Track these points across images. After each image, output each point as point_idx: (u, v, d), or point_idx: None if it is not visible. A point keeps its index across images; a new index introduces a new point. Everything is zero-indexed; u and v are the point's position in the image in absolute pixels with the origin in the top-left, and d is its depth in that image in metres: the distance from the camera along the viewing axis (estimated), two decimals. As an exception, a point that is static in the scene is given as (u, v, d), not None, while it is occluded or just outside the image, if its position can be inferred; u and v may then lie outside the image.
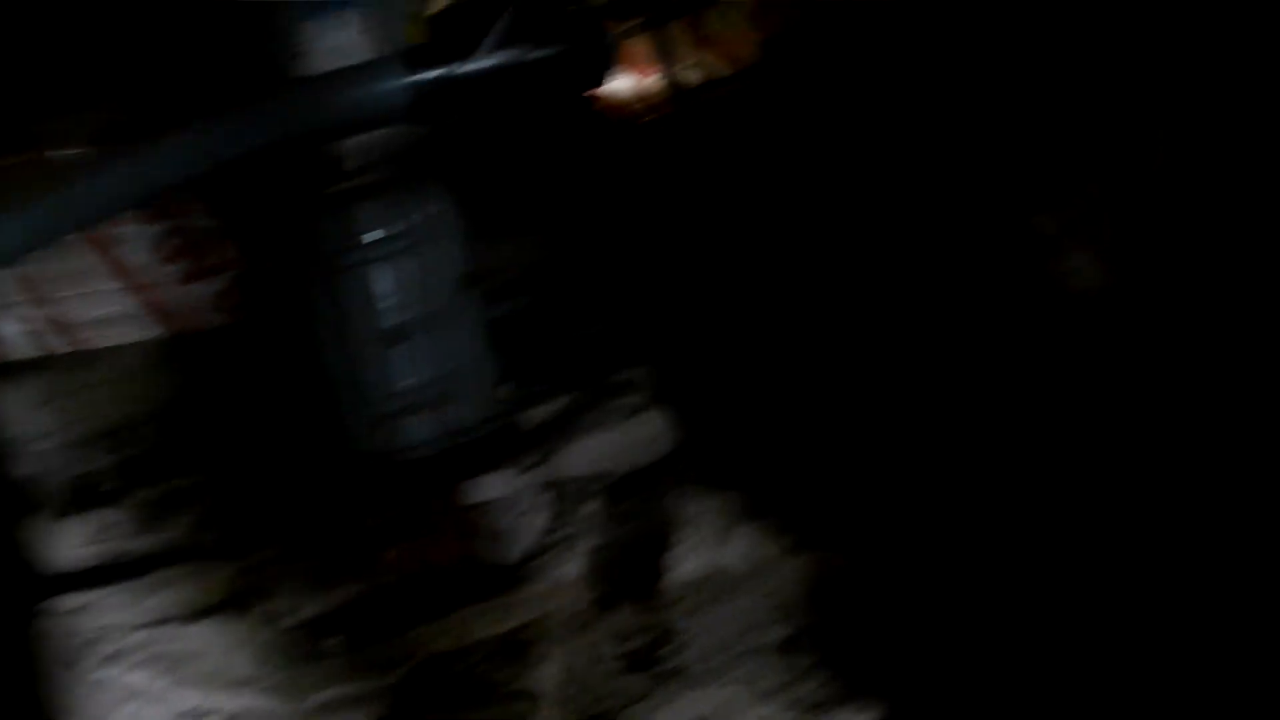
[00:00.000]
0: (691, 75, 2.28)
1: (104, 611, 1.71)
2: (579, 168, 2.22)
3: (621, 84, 2.31)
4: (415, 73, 1.21)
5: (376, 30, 1.47)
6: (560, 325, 2.04)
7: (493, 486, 1.74)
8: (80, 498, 1.78)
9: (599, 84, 1.71)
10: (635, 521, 1.86)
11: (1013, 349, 1.82)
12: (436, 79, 1.23)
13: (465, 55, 1.25)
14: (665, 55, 2.26)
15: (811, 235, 2.06)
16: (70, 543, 1.74)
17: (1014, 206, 1.89)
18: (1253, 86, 1.58)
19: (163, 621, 1.72)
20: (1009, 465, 1.73)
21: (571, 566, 1.77)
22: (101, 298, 1.82)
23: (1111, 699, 1.43)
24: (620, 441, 1.96)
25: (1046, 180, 1.86)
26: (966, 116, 1.94)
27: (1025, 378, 1.79)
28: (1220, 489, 1.53)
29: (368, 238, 1.55)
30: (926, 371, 1.87)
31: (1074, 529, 1.62)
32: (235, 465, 1.85)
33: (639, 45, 2.30)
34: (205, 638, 1.70)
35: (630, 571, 1.80)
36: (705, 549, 1.78)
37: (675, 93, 2.27)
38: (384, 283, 1.58)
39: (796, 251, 2.06)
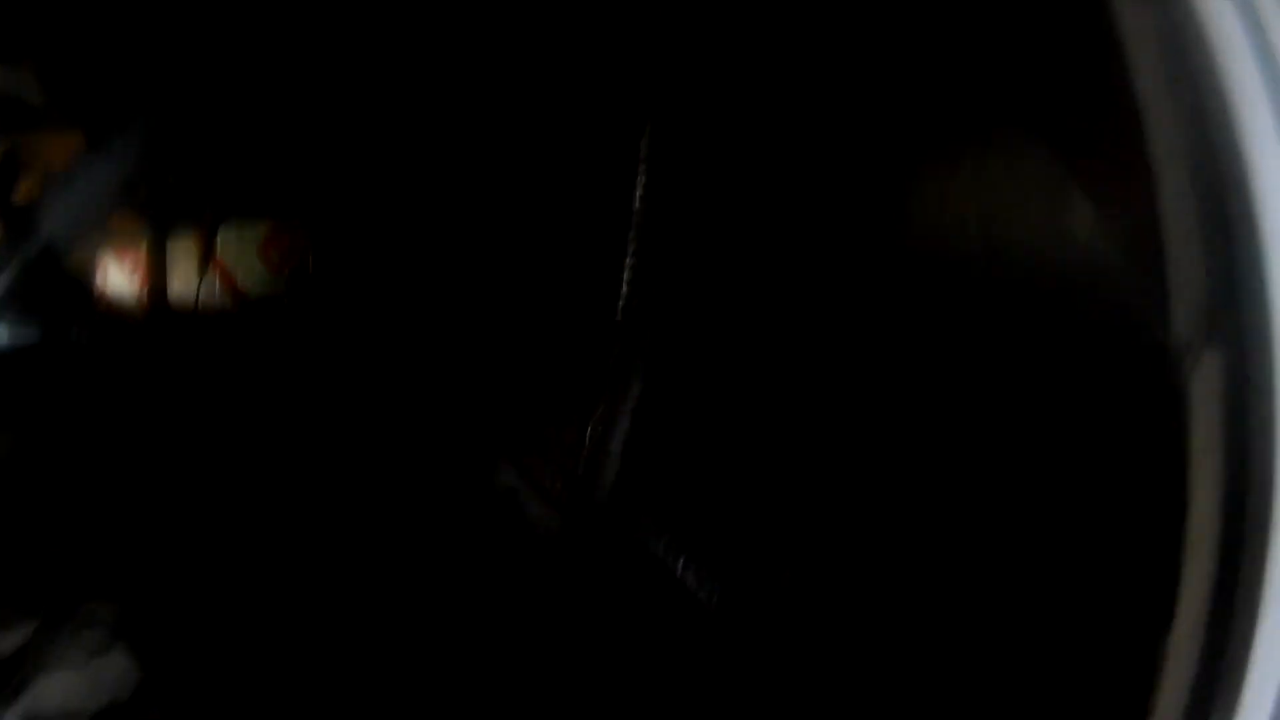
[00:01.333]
0: (193, 290, 2.41)
1: None
2: (57, 371, 2.16)
3: (123, 285, 2.36)
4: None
5: None
6: (26, 550, 2.00)
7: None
8: None
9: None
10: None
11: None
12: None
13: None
14: (164, 268, 2.33)
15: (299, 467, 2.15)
16: None
17: (481, 457, 2.13)
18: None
19: None
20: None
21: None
22: None
23: None
24: (87, 680, 1.93)
25: (509, 429, 2.10)
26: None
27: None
28: None
29: None
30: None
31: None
32: None
33: (148, 250, 2.35)
34: None
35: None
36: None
37: (168, 306, 2.34)
38: None
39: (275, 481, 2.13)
